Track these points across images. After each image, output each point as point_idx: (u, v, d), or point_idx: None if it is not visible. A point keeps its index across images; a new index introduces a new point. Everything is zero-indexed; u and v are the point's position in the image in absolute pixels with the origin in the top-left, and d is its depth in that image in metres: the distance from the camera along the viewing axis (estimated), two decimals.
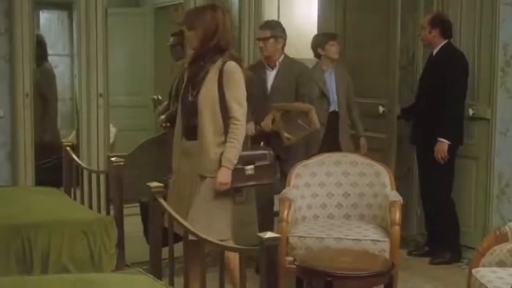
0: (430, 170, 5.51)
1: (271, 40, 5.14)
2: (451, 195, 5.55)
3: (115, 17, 6.25)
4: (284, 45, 5.25)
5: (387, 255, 4.31)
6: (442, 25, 5.52)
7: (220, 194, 3.87)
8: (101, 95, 5.14)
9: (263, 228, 4.29)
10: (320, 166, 4.89)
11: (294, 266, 4.06)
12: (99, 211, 4.15)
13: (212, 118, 3.85)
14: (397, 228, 4.35)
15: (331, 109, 5.79)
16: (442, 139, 5.33)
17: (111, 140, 5.70)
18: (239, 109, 3.86)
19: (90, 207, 4.18)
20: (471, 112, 5.66)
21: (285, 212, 4.44)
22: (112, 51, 5.67)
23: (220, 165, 3.84)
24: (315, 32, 6.82)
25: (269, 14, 7.47)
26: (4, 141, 4.91)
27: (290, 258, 4.28)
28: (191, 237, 3.18)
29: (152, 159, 5.83)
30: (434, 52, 5.56)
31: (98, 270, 3.40)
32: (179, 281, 3.44)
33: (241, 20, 5.87)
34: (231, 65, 3.89)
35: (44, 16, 7.02)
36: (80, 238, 3.49)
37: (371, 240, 4.41)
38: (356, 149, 5.83)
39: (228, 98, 3.85)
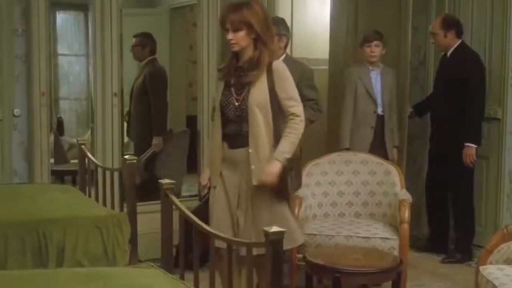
0: (453, 172, 5.47)
1: (276, 38, 4.62)
2: (472, 201, 5.59)
3: (130, 18, 6.33)
4: (287, 44, 5.01)
5: (396, 253, 4.37)
6: (457, 25, 5.54)
7: (281, 199, 3.78)
8: (115, 94, 5.21)
9: None
10: (331, 165, 4.95)
11: (304, 263, 4.12)
12: (113, 208, 4.22)
13: (265, 122, 3.71)
14: (406, 226, 4.41)
15: (378, 111, 5.54)
16: (469, 144, 5.32)
17: (126, 139, 5.78)
18: (298, 105, 3.77)
19: (104, 204, 4.25)
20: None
21: (296, 210, 4.50)
22: (127, 51, 5.76)
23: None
24: (327, 31, 6.86)
25: (283, 13, 7.52)
26: (21, 140, 4.99)
27: (300, 255, 4.34)
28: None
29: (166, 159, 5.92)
30: (449, 53, 5.56)
31: (112, 265, 3.46)
32: (189, 277, 3.51)
33: None
34: (279, 63, 3.80)
35: (60, 17, 7.10)
36: (94, 234, 3.55)
37: (380, 238, 4.46)
38: (399, 160, 5.68)
39: (283, 97, 3.73)
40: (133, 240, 3.80)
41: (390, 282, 4.13)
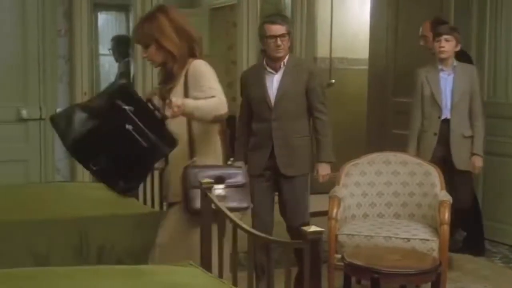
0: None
1: (287, 37, 4.42)
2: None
3: None
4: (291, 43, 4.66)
5: (435, 254, 4.33)
6: None
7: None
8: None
9: None
10: (370, 166, 4.93)
11: (342, 263, 4.11)
12: (153, 206, 4.26)
13: (179, 129, 3.53)
14: (446, 228, 4.37)
15: (443, 116, 5.12)
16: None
17: None
18: (216, 94, 3.48)
19: (145, 202, 4.30)
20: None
21: (334, 211, 4.50)
22: None
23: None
24: (367, 31, 6.83)
25: (322, 14, 7.54)
26: None
27: (338, 256, 4.33)
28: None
29: None
30: None
31: (151, 263, 3.50)
32: (227, 276, 3.52)
33: (293, 20, 5.93)
34: (193, 65, 3.49)
35: (102, 17, 7.21)
36: (134, 232, 3.59)
37: (420, 239, 4.43)
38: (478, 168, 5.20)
39: (196, 95, 3.45)
40: None
41: (429, 284, 4.10)
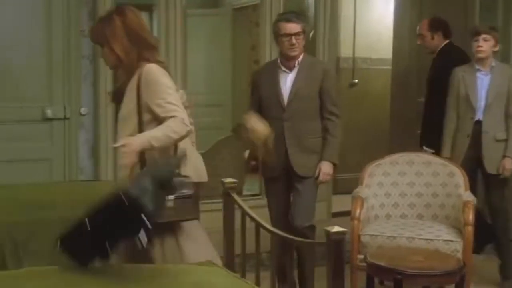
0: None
1: (302, 36, 4.33)
2: None
3: (194, 18, 6.41)
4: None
5: (459, 255, 4.31)
6: (444, 27, 5.46)
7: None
8: None
9: None
10: (393, 166, 4.91)
11: (365, 264, 4.10)
12: None
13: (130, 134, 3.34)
14: (470, 229, 4.34)
15: (476, 117, 4.96)
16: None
17: None
18: (175, 109, 3.25)
19: None
20: None
21: (357, 211, 4.48)
22: (191, 51, 5.83)
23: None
24: (391, 31, 6.80)
25: (346, 13, 7.51)
26: (87, 138, 5.10)
27: (361, 256, 4.32)
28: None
29: (228, 157, 5.96)
30: (436, 54, 5.50)
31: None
32: (250, 276, 3.53)
33: (316, 20, 5.92)
34: (146, 70, 3.27)
35: None
36: None
37: (443, 240, 4.40)
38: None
39: (153, 104, 3.27)
40: None
41: (452, 286, 4.08)
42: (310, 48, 5.21)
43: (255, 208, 3.86)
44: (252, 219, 3.44)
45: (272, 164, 4.34)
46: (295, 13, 4.52)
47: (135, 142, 3.09)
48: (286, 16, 4.42)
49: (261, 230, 3.40)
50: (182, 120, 3.15)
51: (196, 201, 3.29)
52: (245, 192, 5.71)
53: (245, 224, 3.54)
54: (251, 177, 5.68)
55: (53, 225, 3.21)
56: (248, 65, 7.41)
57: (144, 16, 7.59)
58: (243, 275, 3.45)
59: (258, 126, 4.11)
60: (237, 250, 3.66)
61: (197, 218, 3.33)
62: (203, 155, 4.15)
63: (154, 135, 3.13)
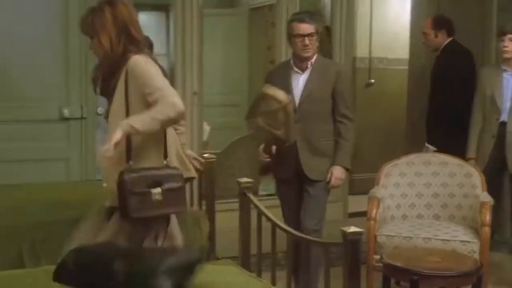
0: None
1: (316, 37, 4.26)
2: None
3: (210, 18, 6.42)
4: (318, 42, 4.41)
5: (476, 256, 4.28)
6: (448, 25, 5.45)
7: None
8: (195, 93, 5.29)
9: None
10: (409, 166, 4.89)
11: (381, 264, 4.09)
12: (191, 206, 4.29)
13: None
14: (487, 229, 4.32)
15: (501, 118, 4.96)
16: None
17: (205, 138, 5.86)
18: (165, 95, 3.15)
19: None
20: None
21: (374, 211, 4.47)
22: (207, 51, 5.84)
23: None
24: (408, 31, 6.77)
25: (362, 13, 7.50)
26: (104, 138, 5.09)
27: (377, 256, 4.31)
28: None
29: (243, 157, 5.96)
30: (439, 52, 5.49)
31: None
32: (266, 276, 3.54)
33: (333, 20, 5.91)
34: (133, 61, 3.20)
35: (142, 18, 7.21)
36: None
37: (460, 240, 4.38)
38: None
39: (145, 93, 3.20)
40: (211, 238, 3.85)
41: (469, 286, 4.06)
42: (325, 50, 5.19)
43: (271, 208, 3.86)
44: (268, 219, 3.45)
45: (290, 142, 4.22)
46: (309, 14, 4.45)
47: (114, 135, 3.00)
48: (300, 16, 4.36)
49: (277, 230, 3.41)
50: (171, 102, 3.03)
51: (183, 193, 3.19)
52: (261, 192, 5.71)
53: (261, 224, 3.54)
54: (264, 178, 5.67)
55: (70, 224, 3.24)
56: (264, 65, 7.41)
57: (160, 16, 7.64)
58: (259, 275, 3.45)
59: (278, 92, 4.03)
60: (253, 249, 3.67)
61: (184, 210, 3.25)
62: (218, 155, 4.17)
63: (137, 118, 3.04)
